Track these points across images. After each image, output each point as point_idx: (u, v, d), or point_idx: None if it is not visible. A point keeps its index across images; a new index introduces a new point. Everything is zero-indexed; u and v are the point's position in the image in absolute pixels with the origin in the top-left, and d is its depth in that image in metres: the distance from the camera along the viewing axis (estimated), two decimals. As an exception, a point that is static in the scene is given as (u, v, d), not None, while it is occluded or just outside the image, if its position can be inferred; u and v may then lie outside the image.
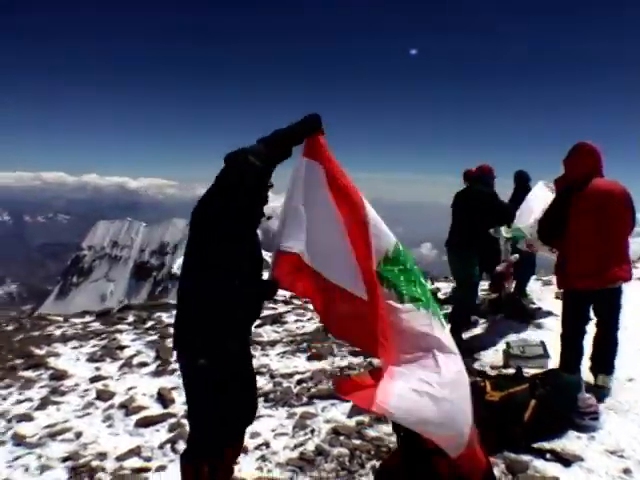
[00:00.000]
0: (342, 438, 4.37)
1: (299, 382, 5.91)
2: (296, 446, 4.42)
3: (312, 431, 4.64)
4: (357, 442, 4.27)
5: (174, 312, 10.43)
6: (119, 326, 10.28)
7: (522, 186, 8.34)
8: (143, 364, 7.58)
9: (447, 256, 6.99)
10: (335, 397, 5.21)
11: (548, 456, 3.79)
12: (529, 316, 7.46)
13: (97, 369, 7.49)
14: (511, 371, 5.23)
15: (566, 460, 3.71)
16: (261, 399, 5.73)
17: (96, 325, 10.70)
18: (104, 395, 6.32)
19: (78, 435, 5.28)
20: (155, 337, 9.03)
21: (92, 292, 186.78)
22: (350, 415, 4.82)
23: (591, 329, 4.84)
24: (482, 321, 7.67)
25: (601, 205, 4.50)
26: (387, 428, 4.45)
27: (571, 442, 3.98)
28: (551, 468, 3.65)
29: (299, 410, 5.15)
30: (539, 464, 3.71)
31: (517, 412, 4.02)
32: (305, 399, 5.46)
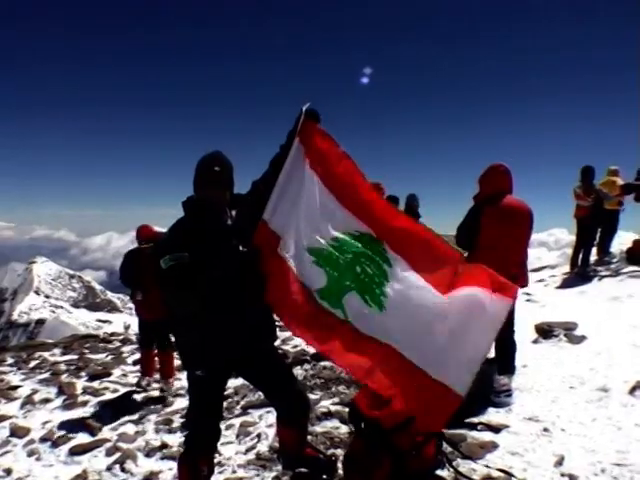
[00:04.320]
0: (292, 437, 4.62)
1: (225, 398, 6.05)
2: (248, 450, 4.63)
3: (258, 436, 4.85)
4: (308, 437, 4.56)
5: (55, 350, 10.19)
6: (0, 368, 9.76)
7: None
8: (46, 400, 7.35)
9: None
10: (268, 405, 5.47)
11: (479, 427, 4.34)
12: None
13: (-6, 410, 7.14)
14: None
15: (495, 428, 4.28)
16: (192, 417, 5.87)
17: (-28, 370, 10.04)
18: (19, 432, 6.11)
19: (8, 471, 5.12)
20: (47, 375, 8.75)
21: None
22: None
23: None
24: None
25: (510, 218, 5.12)
26: (331, 423, 4.81)
27: (494, 415, 4.57)
28: (485, 436, 4.19)
29: (236, 421, 5.33)
30: (474, 434, 4.23)
31: (449, 394, 4.56)
32: (238, 411, 5.66)
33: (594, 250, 12.01)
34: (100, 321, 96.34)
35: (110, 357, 9.72)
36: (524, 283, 5.25)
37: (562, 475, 3.44)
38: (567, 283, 11.04)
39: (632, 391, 4.65)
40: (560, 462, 3.60)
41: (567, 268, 12.18)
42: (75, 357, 10.07)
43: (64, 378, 8.31)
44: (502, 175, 5.29)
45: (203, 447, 3.40)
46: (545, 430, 4.19)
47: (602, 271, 11.24)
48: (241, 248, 3.29)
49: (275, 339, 3.71)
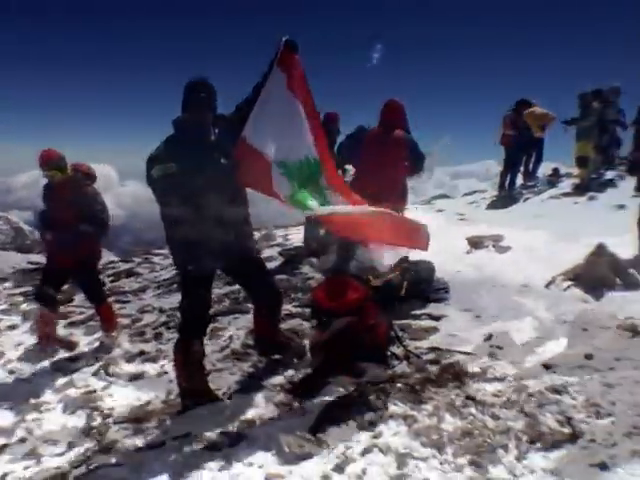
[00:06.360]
0: (263, 335, 5.23)
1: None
2: (222, 348, 5.21)
3: (230, 337, 5.44)
4: (277, 334, 5.21)
5: (6, 284, 10.18)
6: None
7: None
8: (13, 327, 7.65)
9: None
10: (236, 311, 6.06)
11: (422, 317, 5.14)
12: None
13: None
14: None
15: (436, 317, 5.09)
16: (162, 328, 6.37)
17: None
18: (-8, 353, 6.38)
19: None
20: (5, 306, 8.97)
21: None
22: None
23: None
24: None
25: (390, 146, 5.92)
26: (294, 321, 5.48)
27: (434, 308, 5.33)
28: (428, 323, 4.99)
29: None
30: (419, 322, 5.02)
31: (395, 291, 5.30)
32: (206, 319, 6.21)
33: (520, 175, 13.04)
34: (32, 263, 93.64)
35: (67, 286, 9.95)
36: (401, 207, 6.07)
37: (490, 347, 4.20)
38: (495, 204, 12.02)
39: (547, 285, 5.53)
40: (489, 338, 4.37)
41: (495, 192, 13.15)
42: (30, 288, 10.19)
43: (25, 307, 8.59)
44: (394, 110, 6.11)
45: (195, 332, 4.00)
46: (477, 317, 5.01)
47: (527, 194, 12.27)
48: (222, 161, 3.83)
49: (254, 243, 4.30)
